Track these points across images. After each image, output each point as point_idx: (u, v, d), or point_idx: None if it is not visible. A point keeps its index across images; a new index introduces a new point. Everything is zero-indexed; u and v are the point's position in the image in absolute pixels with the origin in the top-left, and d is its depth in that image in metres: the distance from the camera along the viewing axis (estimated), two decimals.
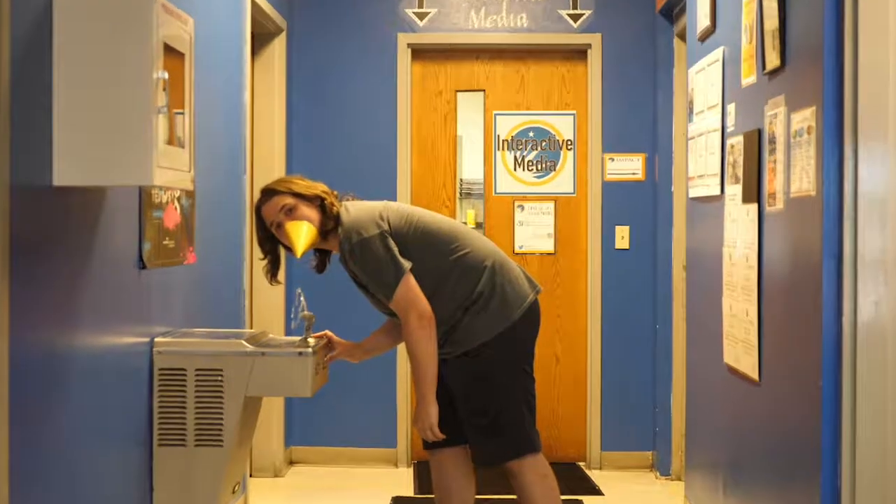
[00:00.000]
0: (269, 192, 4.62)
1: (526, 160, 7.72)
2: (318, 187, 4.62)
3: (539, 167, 7.72)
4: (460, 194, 8.08)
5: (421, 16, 7.60)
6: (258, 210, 4.63)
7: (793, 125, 4.10)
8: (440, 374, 4.58)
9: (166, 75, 3.55)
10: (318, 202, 4.57)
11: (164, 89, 3.55)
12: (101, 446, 3.94)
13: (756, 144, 4.59)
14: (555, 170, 7.72)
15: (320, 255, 4.77)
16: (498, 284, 4.58)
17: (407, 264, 4.47)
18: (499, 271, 4.60)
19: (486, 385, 4.61)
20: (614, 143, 7.59)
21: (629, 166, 7.59)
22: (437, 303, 4.52)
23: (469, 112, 7.79)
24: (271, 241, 4.66)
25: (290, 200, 4.55)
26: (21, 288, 3.19)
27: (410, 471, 7.45)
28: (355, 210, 4.57)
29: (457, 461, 4.77)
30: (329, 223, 4.56)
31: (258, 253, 4.76)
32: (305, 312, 4.72)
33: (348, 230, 4.49)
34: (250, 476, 6.53)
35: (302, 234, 4.51)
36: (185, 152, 3.83)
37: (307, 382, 4.50)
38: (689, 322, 6.21)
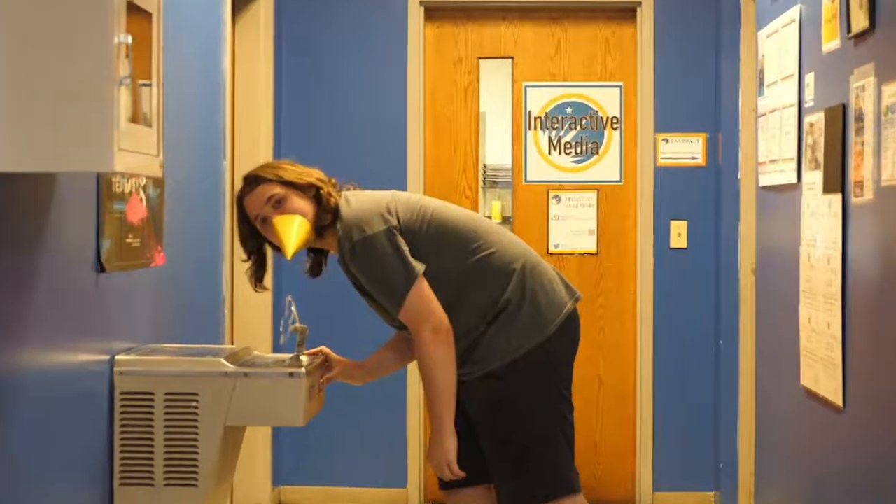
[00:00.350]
0: (253, 180, 4.55)
1: (563, 141, 7.72)
2: (313, 174, 4.57)
3: (578, 150, 7.72)
4: (484, 183, 8.11)
5: None
6: (240, 201, 4.56)
7: (884, 100, 4.10)
8: (459, 400, 4.52)
9: (130, 39, 3.55)
10: (313, 192, 4.51)
11: (128, 56, 3.54)
12: (50, 485, 3.94)
13: (840, 123, 4.58)
14: (597, 153, 7.72)
15: (315, 255, 4.73)
16: (529, 291, 4.53)
17: (419, 267, 4.43)
18: (530, 275, 4.55)
19: (514, 412, 4.55)
20: (669, 121, 7.59)
21: (687, 149, 7.58)
22: (455, 313, 4.47)
23: (494, 84, 7.81)
24: (256, 238, 4.60)
25: (278, 190, 4.48)
26: None
27: None
28: (357, 202, 4.53)
29: None
30: (326, 217, 4.49)
31: (241, 253, 4.75)
32: (297, 325, 4.71)
33: (349, 226, 4.44)
34: None
35: (293, 230, 4.44)
36: (152, 132, 3.83)
37: (299, 409, 4.50)
38: (760, 336, 6.20)
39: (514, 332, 4.50)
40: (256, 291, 4.76)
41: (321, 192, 4.51)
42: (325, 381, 4.79)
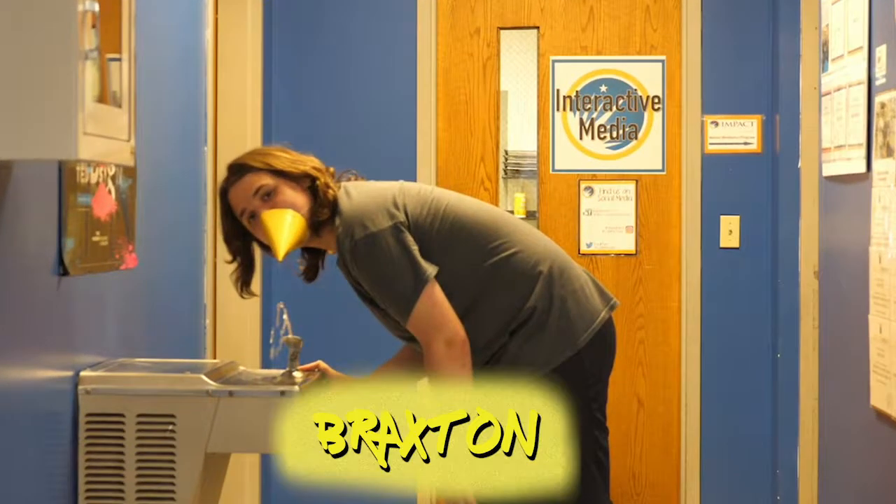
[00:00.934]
0: (239, 170, 4.55)
1: (596, 125, 7.73)
2: (308, 162, 4.56)
3: (615, 134, 7.73)
4: (505, 172, 8.13)
5: None
6: (224, 194, 4.56)
7: None
8: None
9: (97, 7, 3.55)
10: (308, 183, 4.52)
11: (94, 26, 3.54)
12: None
13: None
14: (636, 138, 7.73)
15: (310, 256, 4.73)
16: (557, 297, 4.53)
17: (431, 269, 4.43)
18: (558, 279, 4.56)
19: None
20: (719, 101, 7.61)
21: (740, 133, 7.59)
22: (473, 323, 4.48)
23: (517, 58, 7.82)
24: (243, 237, 4.60)
25: (268, 181, 4.48)
26: None
27: None
28: (359, 194, 4.52)
29: None
30: (322, 212, 4.48)
31: (224, 254, 4.75)
32: (290, 336, 4.71)
33: (349, 222, 4.44)
34: None
35: (285, 227, 4.43)
36: (122, 113, 3.83)
37: None
38: (824, 350, 6.20)
39: (541, 345, 4.50)
40: (243, 297, 4.76)
41: (317, 182, 4.50)
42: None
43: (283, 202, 4.44)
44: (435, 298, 4.39)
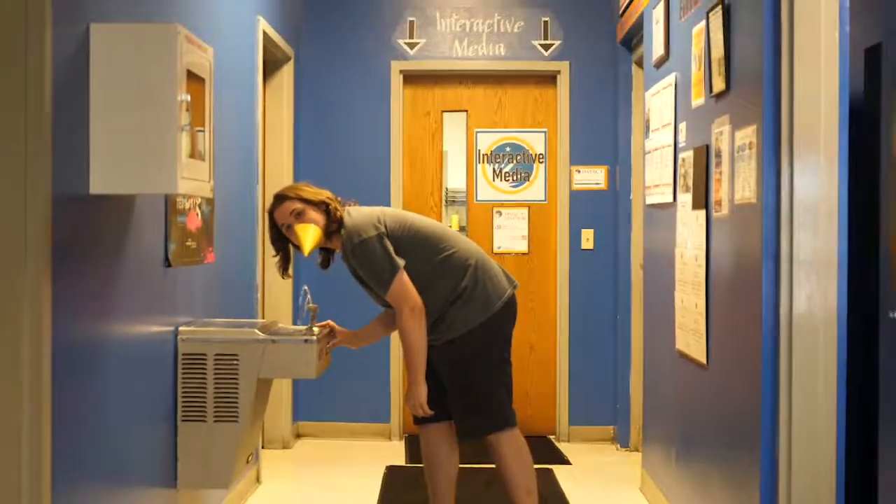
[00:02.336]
0: (280, 198, 4.58)
1: (503, 171, 7.72)
2: (324, 194, 4.58)
3: (515, 178, 7.71)
4: (446, 201, 8.07)
5: (411, 45, 7.59)
6: (271, 214, 4.60)
7: (736, 141, 4.11)
8: (429, 359, 4.56)
9: (189, 98, 3.55)
10: (324, 207, 4.53)
11: (187, 110, 3.55)
12: (132, 422, 3.93)
13: (704, 158, 4.60)
14: (528, 180, 7.72)
15: (325, 253, 4.73)
16: (480, 280, 4.56)
17: (401, 262, 4.45)
18: (481, 269, 4.58)
19: (469, 368, 4.59)
20: (580, 156, 7.59)
21: (593, 177, 7.59)
22: (427, 296, 4.49)
23: (454, 130, 7.79)
24: (282, 240, 4.63)
25: (298, 205, 4.51)
26: (62, 284, 3.18)
27: (402, 443, 7.44)
28: (357, 214, 4.55)
29: (443, 435, 4.76)
30: (333, 226, 4.52)
31: (270, 252, 4.74)
32: (311, 304, 4.71)
33: (350, 232, 4.47)
34: (262, 448, 6.52)
35: (309, 235, 4.48)
36: (205, 164, 3.83)
37: (312, 366, 4.50)
38: (646, 313, 6.21)
39: (470, 310, 4.55)
40: (283, 279, 4.84)
41: (330, 207, 4.53)
42: (331, 346, 4.80)
43: (308, 219, 4.49)
44: (403, 281, 4.44)
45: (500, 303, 4.60)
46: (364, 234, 4.45)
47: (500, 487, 4.70)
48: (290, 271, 4.78)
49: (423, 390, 4.53)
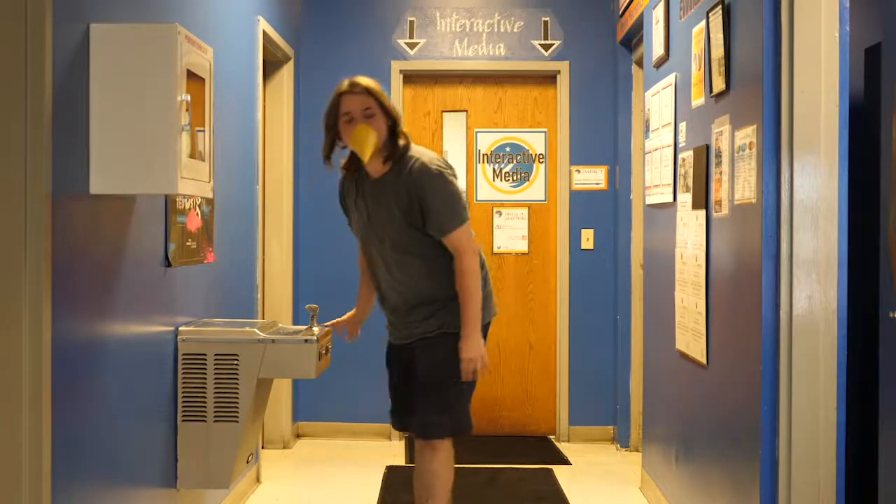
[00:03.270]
0: (361, 89, 4.23)
1: (503, 172, 7.72)
2: (399, 116, 4.30)
3: (515, 178, 7.71)
4: None
5: (411, 45, 7.59)
6: (340, 97, 4.25)
7: (736, 141, 4.11)
8: (408, 356, 4.37)
9: (189, 98, 3.55)
10: (391, 122, 4.22)
11: (187, 110, 3.54)
12: (132, 421, 3.93)
13: (704, 158, 4.60)
14: (528, 180, 7.71)
15: (354, 164, 4.39)
16: (485, 291, 4.35)
17: (468, 216, 4.25)
18: (488, 282, 4.40)
19: (450, 366, 4.25)
20: (580, 156, 7.60)
21: (593, 177, 7.59)
22: (444, 278, 4.27)
23: (454, 130, 7.78)
24: (333, 130, 4.29)
25: (374, 106, 4.19)
26: (62, 283, 3.18)
27: (402, 443, 7.44)
28: (426, 152, 4.31)
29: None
30: (389, 147, 4.23)
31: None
32: (310, 305, 4.71)
33: (430, 159, 4.23)
34: (262, 448, 6.52)
35: (371, 140, 4.15)
36: (205, 165, 3.83)
37: (312, 366, 4.50)
38: (646, 313, 6.21)
39: (446, 314, 4.34)
40: (327, 167, 4.42)
41: (396, 127, 4.23)
42: (353, 335, 4.75)
43: (376, 124, 4.17)
44: (468, 228, 4.21)
45: (489, 318, 4.40)
46: (446, 169, 4.21)
47: (417, 489, 4.45)
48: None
49: (481, 341, 4.24)
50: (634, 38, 7.06)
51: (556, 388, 7.63)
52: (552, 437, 7.64)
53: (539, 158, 7.71)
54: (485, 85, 7.74)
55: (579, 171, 7.58)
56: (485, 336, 4.32)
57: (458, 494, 4.90)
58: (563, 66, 7.58)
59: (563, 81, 7.58)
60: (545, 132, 7.71)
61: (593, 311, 7.56)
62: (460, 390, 4.34)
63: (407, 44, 7.59)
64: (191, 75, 3.60)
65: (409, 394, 4.43)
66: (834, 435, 3.72)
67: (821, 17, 3.69)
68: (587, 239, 7.57)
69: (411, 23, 7.59)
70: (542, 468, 6.61)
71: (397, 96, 7.56)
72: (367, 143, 4.15)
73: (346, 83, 4.25)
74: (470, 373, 4.24)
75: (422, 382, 4.35)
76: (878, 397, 3.70)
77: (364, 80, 4.25)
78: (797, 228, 3.72)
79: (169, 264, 4.28)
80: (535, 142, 7.70)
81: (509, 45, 7.59)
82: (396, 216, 4.23)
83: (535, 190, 7.71)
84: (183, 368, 4.43)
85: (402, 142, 4.24)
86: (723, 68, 4.28)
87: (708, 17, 4.50)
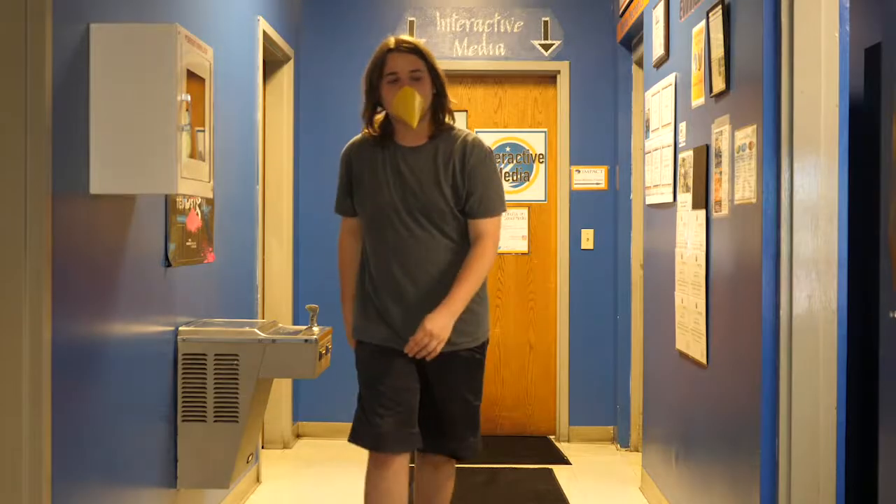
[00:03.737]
0: (410, 47, 3.87)
1: (503, 171, 7.71)
2: (447, 87, 3.94)
3: (515, 178, 7.71)
4: None
5: None
6: (386, 54, 3.88)
7: (736, 141, 4.11)
8: (437, 370, 3.94)
9: (189, 98, 3.55)
10: (435, 91, 3.89)
11: (187, 110, 3.54)
12: (132, 421, 3.93)
13: (704, 158, 4.60)
14: (528, 180, 7.71)
15: (385, 128, 3.98)
16: (484, 307, 4.03)
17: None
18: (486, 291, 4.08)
19: (479, 383, 4.03)
20: (580, 156, 7.60)
21: (593, 177, 7.59)
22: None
23: None
24: (376, 91, 3.92)
25: (423, 69, 3.84)
26: (61, 282, 3.18)
27: None
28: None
29: (406, 468, 4.01)
30: (434, 112, 3.91)
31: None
32: (310, 305, 4.71)
33: (477, 139, 3.92)
34: (262, 448, 6.53)
35: (418, 104, 3.79)
36: (205, 165, 3.83)
37: (312, 366, 4.50)
38: (646, 313, 6.22)
39: (482, 317, 4.03)
40: (371, 131, 4.01)
41: (442, 98, 3.90)
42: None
43: (420, 89, 3.81)
44: (501, 221, 3.92)
45: (485, 337, 4.06)
46: (491, 151, 3.94)
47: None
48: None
49: (451, 325, 3.81)
50: (634, 38, 7.06)
51: (556, 388, 7.63)
52: (552, 437, 7.64)
53: (539, 158, 7.71)
54: (485, 85, 7.74)
55: (579, 171, 7.58)
56: (483, 354, 4.02)
57: (459, 494, 4.90)
58: (563, 66, 7.58)
59: (563, 81, 7.57)
60: (545, 132, 7.71)
61: (593, 311, 7.56)
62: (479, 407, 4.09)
63: None
64: (191, 75, 3.60)
65: (440, 412, 4.02)
66: (834, 435, 3.72)
67: (821, 17, 3.70)
68: (587, 239, 7.57)
69: (411, 23, 7.59)
70: (542, 468, 6.61)
71: None
72: (412, 108, 3.78)
73: (392, 40, 3.90)
74: (420, 347, 3.81)
75: (473, 406, 4.03)
76: (878, 397, 3.71)
77: (416, 43, 3.90)
78: (797, 228, 3.72)
79: (169, 264, 4.29)
80: (535, 142, 7.70)
81: (509, 45, 7.59)
82: (436, 190, 3.86)
83: (535, 190, 7.71)
84: (183, 368, 4.43)
85: (451, 108, 3.93)
86: (723, 68, 4.28)
87: (708, 17, 4.50)
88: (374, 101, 3.92)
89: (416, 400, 3.94)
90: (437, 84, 3.87)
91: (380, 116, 3.99)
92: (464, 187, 3.86)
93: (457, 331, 3.85)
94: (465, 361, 3.98)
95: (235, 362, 4.43)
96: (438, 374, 3.96)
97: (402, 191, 3.88)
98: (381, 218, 3.92)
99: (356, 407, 4.02)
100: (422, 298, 3.88)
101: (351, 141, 4.14)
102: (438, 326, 3.76)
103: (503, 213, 3.94)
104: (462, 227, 3.90)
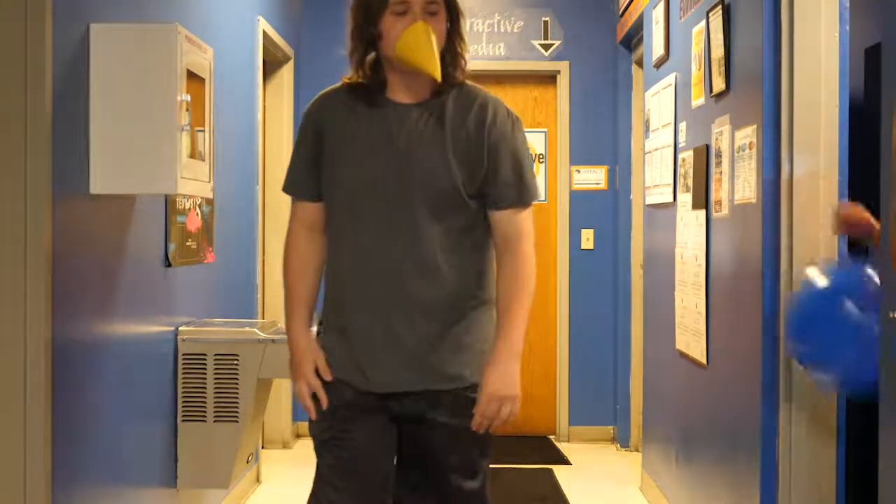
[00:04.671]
0: None
1: None
2: (466, 43, 2.95)
3: None
4: None
5: None
6: None
7: (736, 141, 4.11)
8: (418, 436, 2.89)
9: (189, 98, 3.55)
10: (453, 39, 2.89)
11: (187, 110, 3.54)
12: (132, 422, 3.93)
13: (704, 158, 4.60)
14: None
15: (375, 76, 2.90)
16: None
17: None
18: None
19: (487, 436, 2.92)
20: (580, 156, 7.60)
21: (593, 177, 7.59)
22: (478, 277, 2.95)
23: None
24: (372, 26, 2.84)
25: (441, 6, 2.81)
26: (62, 282, 3.18)
27: None
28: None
29: None
30: (448, 58, 2.88)
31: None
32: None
33: (500, 100, 3.05)
34: (262, 448, 6.52)
35: (433, 46, 2.76)
36: (205, 165, 3.83)
37: None
38: (646, 313, 6.22)
39: (489, 325, 3.00)
40: (360, 78, 2.95)
41: (456, 39, 2.90)
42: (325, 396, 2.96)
43: (435, 27, 2.77)
44: (532, 213, 2.95)
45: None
46: (519, 119, 2.99)
47: None
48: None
49: (518, 372, 2.87)
50: (634, 38, 7.06)
51: (556, 388, 7.63)
52: (552, 437, 7.64)
53: (539, 158, 7.70)
54: (485, 85, 7.64)
55: (579, 171, 7.58)
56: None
57: None
58: (563, 66, 7.58)
59: (563, 81, 7.58)
60: (545, 132, 7.71)
61: (593, 311, 7.56)
62: (488, 468, 3.10)
63: None
64: (191, 75, 3.60)
65: (421, 474, 3.02)
66: (834, 435, 3.72)
67: (821, 17, 3.70)
68: (587, 239, 7.57)
69: None
70: (542, 468, 6.61)
71: None
72: (429, 50, 2.75)
73: None
74: (494, 419, 2.80)
75: (450, 468, 2.98)
76: (878, 397, 3.70)
77: None
78: (797, 228, 3.71)
79: (169, 264, 4.29)
80: (535, 142, 7.70)
81: (509, 44, 7.59)
82: (441, 166, 2.81)
83: None
84: (183, 368, 4.43)
85: (466, 57, 2.95)
86: (723, 68, 4.28)
87: (708, 17, 4.50)
88: (367, 38, 2.85)
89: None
90: (453, 19, 2.86)
91: (370, 58, 2.92)
92: (482, 165, 2.82)
93: (452, 341, 2.88)
94: (450, 404, 2.91)
95: (235, 362, 4.43)
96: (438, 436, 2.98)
97: (392, 166, 2.79)
98: (360, 205, 2.82)
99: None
100: (419, 328, 2.82)
101: (320, 94, 3.07)
102: (506, 385, 2.77)
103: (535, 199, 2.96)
104: (475, 219, 2.87)
